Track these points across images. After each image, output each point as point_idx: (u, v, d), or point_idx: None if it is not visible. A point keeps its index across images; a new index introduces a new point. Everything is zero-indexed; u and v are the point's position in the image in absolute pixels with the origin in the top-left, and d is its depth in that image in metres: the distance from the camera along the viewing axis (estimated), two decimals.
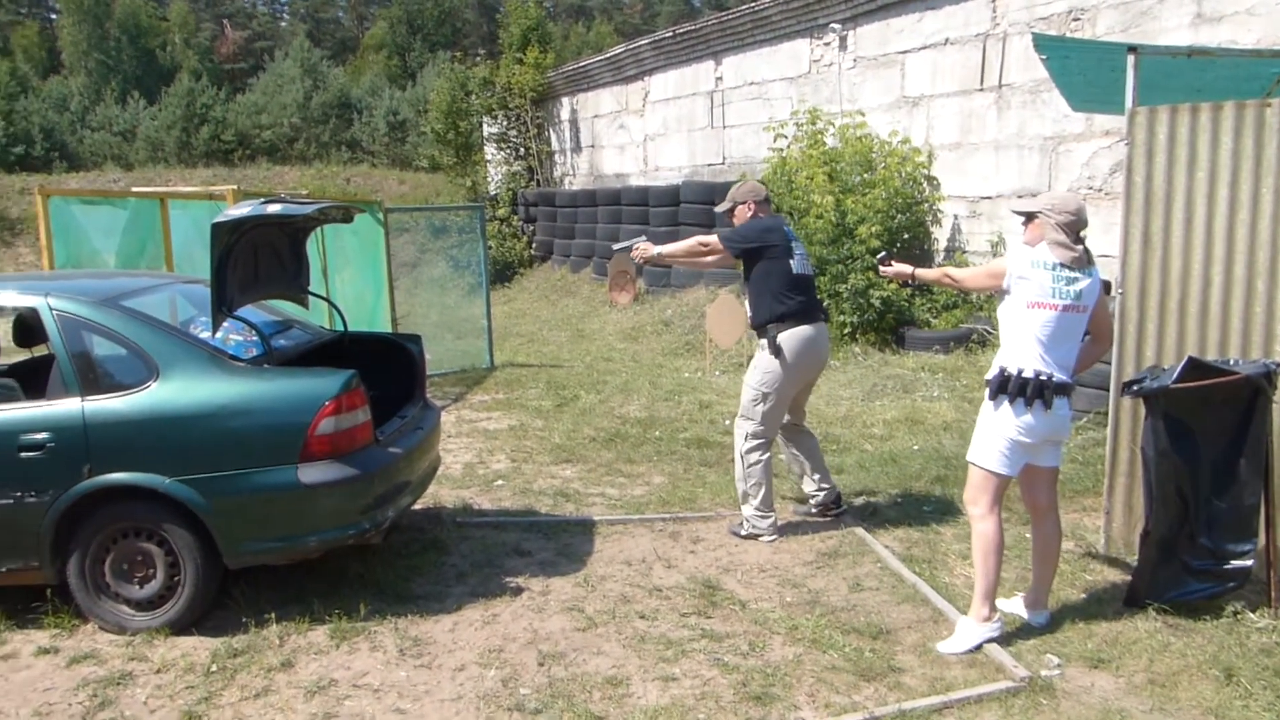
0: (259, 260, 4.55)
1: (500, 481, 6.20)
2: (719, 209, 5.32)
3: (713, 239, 5.06)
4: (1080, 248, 3.67)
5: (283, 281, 4.90)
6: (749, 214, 5.12)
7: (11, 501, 3.90)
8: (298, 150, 43.39)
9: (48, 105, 42.73)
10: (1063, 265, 3.63)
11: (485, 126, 22.20)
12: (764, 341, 4.93)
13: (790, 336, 4.86)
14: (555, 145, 21.35)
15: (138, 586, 4.02)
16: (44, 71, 49.57)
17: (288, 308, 5.35)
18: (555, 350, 12.13)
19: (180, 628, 3.99)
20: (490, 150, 22.37)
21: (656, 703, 3.37)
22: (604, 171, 19.57)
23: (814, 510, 5.33)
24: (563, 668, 3.64)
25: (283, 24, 67.23)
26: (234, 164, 36.76)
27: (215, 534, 3.93)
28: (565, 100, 20.73)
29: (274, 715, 3.36)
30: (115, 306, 4.16)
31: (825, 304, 10.49)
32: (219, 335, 4.23)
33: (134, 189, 9.78)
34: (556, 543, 5.00)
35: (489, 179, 22.39)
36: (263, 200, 4.24)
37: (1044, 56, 5.38)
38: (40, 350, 5.12)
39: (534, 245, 19.73)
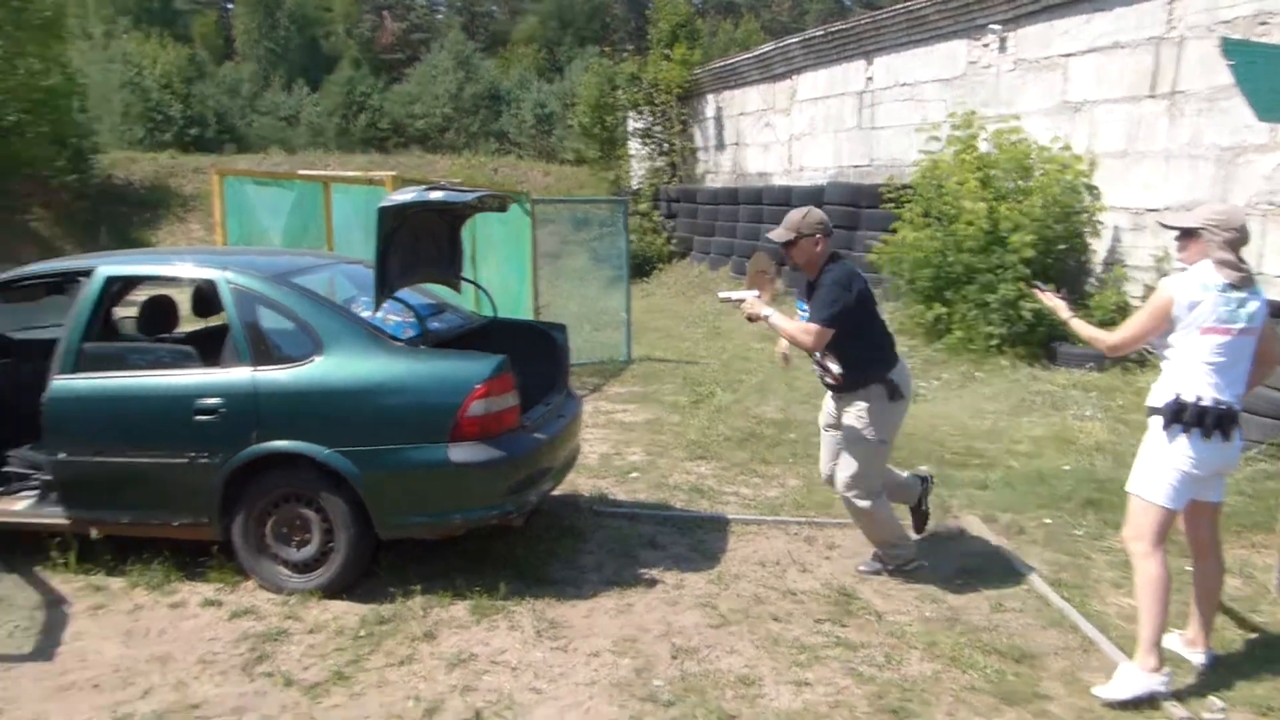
0: (418, 245, 4.71)
1: (635, 474, 6.25)
2: (775, 237, 4.37)
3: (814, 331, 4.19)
4: (1246, 266, 3.43)
5: (439, 266, 5.06)
6: (816, 250, 4.30)
7: (186, 461, 4.16)
8: (447, 140, 44.76)
9: (221, 90, 45.26)
10: (1231, 286, 3.39)
11: (630, 122, 22.40)
12: (878, 389, 4.34)
13: (901, 372, 4.45)
14: (699, 142, 21.35)
15: (295, 549, 4.23)
16: (219, 58, 52.46)
17: (441, 292, 5.53)
18: (691, 347, 12.14)
19: (332, 592, 4.17)
20: (634, 145, 22.56)
21: (789, 706, 3.34)
22: (747, 170, 19.46)
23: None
24: (695, 663, 3.64)
25: (439, 17, 69.36)
26: (388, 151, 38.21)
27: (368, 504, 4.10)
28: (711, 97, 20.70)
29: (417, 683, 3.48)
30: (285, 283, 4.38)
31: (973, 314, 10.17)
32: (379, 315, 4.40)
33: (300, 172, 10.29)
34: (690, 538, 5.01)
35: (631, 174, 22.58)
36: (426, 187, 4.39)
37: (1231, 62, 5.05)
38: (215, 321, 5.45)
39: (673, 241, 19.78)
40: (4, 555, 4.55)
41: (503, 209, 5.22)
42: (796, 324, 4.31)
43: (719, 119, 20.47)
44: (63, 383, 4.27)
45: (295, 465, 4.14)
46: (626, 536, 5.00)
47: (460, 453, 4.05)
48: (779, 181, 17.74)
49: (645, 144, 21.95)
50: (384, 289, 4.28)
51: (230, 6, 60.17)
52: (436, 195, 4.28)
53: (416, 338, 4.39)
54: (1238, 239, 3.42)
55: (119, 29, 43.69)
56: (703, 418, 7.93)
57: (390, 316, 4.54)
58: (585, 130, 22.66)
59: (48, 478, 4.34)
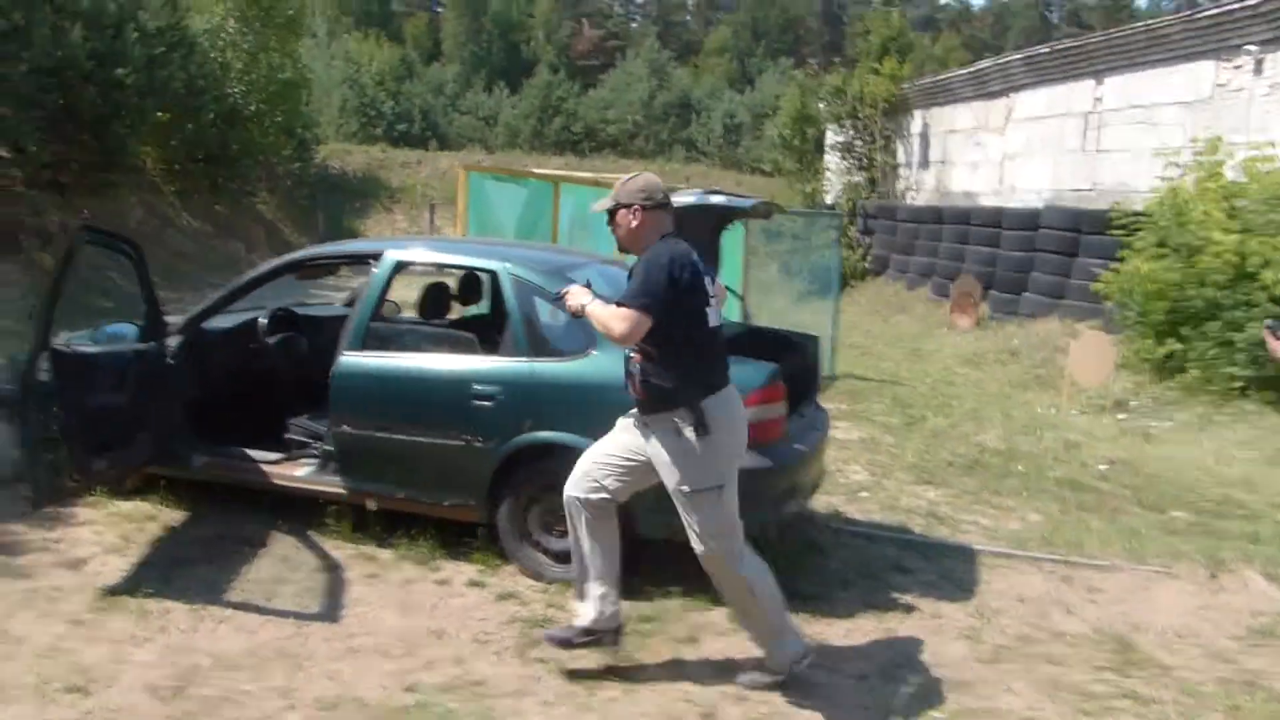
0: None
1: (864, 493, 6.11)
2: (595, 208, 3.65)
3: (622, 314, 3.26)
4: None
5: None
6: (633, 225, 3.43)
7: (461, 444, 4.32)
8: (636, 146, 45.46)
9: (427, 89, 47.52)
10: None
11: (830, 135, 22.12)
12: (683, 415, 3.33)
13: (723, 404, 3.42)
14: (901, 158, 20.87)
15: (556, 538, 4.32)
16: (427, 59, 55.10)
17: None
18: (892, 367, 11.83)
19: None
20: (832, 159, 22.26)
21: None
22: (951, 189, 18.86)
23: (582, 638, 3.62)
24: (972, 698, 3.50)
25: (634, 25, 70.65)
26: (582, 154, 39.11)
27: (630, 502, 4.13)
28: (918, 113, 20.19)
29: (687, 685, 3.48)
30: (562, 278, 4.48)
31: (1213, 353, 9.47)
32: None
33: (534, 170, 10.64)
34: (937, 566, 4.84)
35: (827, 188, 22.31)
36: (705, 190, 4.41)
37: None
38: (472, 309, 5.68)
39: (869, 258, 19.38)
40: (284, 517, 4.85)
41: (768, 216, 5.21)
42: (609, 309, 3.30)
43: (925, 135, 19.95)
44: (350, 359, 4.51)
45: (563, 456, 4.22)
46: (870, 557, 4.88)
47: None
48: (987, 202, 17.09)
49: (844, 158, 21.63)
50: None
51: (440, 9, 63.12)
52: (718, 199, 4.31)
53: None
54: None
55: (341, 29, 46.63)
56: (918, 441, 7.71)
57: None
58: (785, 142, 22.52)
59: (329, 448, 4.60)
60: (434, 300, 5.03)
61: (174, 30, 16.83)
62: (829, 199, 21.84)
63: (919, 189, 20.12)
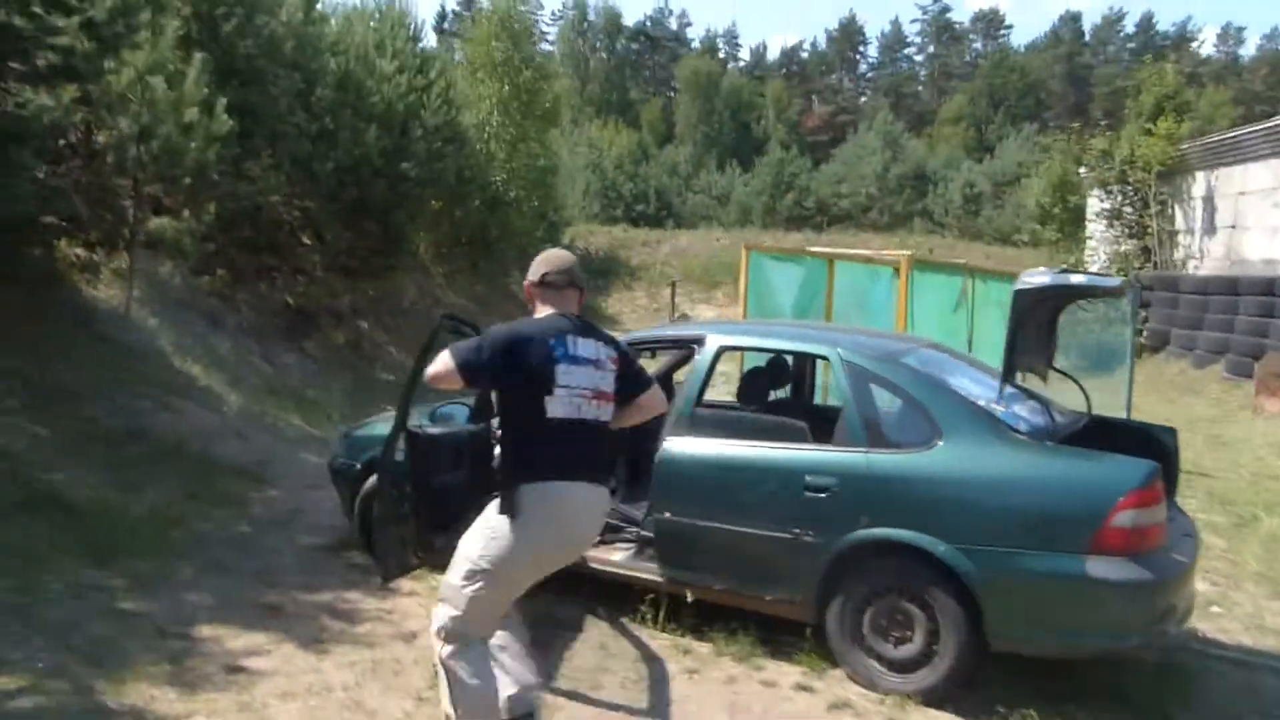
0: (1032, 331, 4.38)
1: (1215, 608, 5.37)
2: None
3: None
4: None
5: (1036, 355, 4.69)
6: (531, 298, 3.41)
7: (790, 536, 4.10)
8: (870, 219, 44.84)
9: (662, 170, 49.09)
10: None
11: (1095, 201, 20.76)
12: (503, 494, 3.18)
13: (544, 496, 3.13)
14: (1180, 224, 19.25)
15: (892, 645, 3.99)
16: (660, 142, 57.10)
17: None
18: (1194, 456, 10.63)
19: (932, 700, 3.87)
20: (1096, 227, 20.85)
21: None
22: (1245, 256, 17.13)
23: None
24: None
25: (863, 99, 70.43)
26: (819, 229, 38.94)
27: (984, 610, 3.76)
28: (1200, 175, 18.59)
29: None
30: (899, 364, 4.23)
31: None
32: (995, 404, 4.10)
33: (810, 249, 10.54)
34: None
35: (1091, 258, 20.87)
36: (1061, 269, 4.05)
37: None
38: (780, 392, 5.50)
39: (1145, 333, 17.84)
40: (597, 602, 4.79)
41: (1121, 295, 4.76)
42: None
43: (1209, 199, 18.31)
44: (676, 445, 4.42)
45: (904, 556, 3.92)
46: (1256, 688, 4.21)
47: (1100, 567, 3.59)
48: None
49: (1111, 226, 20.20)
50: (1009, 375, 3.99)
51: (673, 94, 65.43)
52: (1078, 280, 3.93)
53: (1041, 432, 4.03)
54: None
55: (584, 117, 49.20)
56: (1256, 545, 6.78)
57: (1008, 407, 4.21)
58: (1045, 211, 21.34)
59: (647, 534, 4.51)
60: (754, 385, 4.89)
61: (449, 126, 18.13)
62: (1093, 269, 20.41)
63: (1203, 257, 18.42)
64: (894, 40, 70.28)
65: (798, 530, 4.09)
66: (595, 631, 4.54)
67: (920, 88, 70.05)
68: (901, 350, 4.44)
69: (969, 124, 59.19)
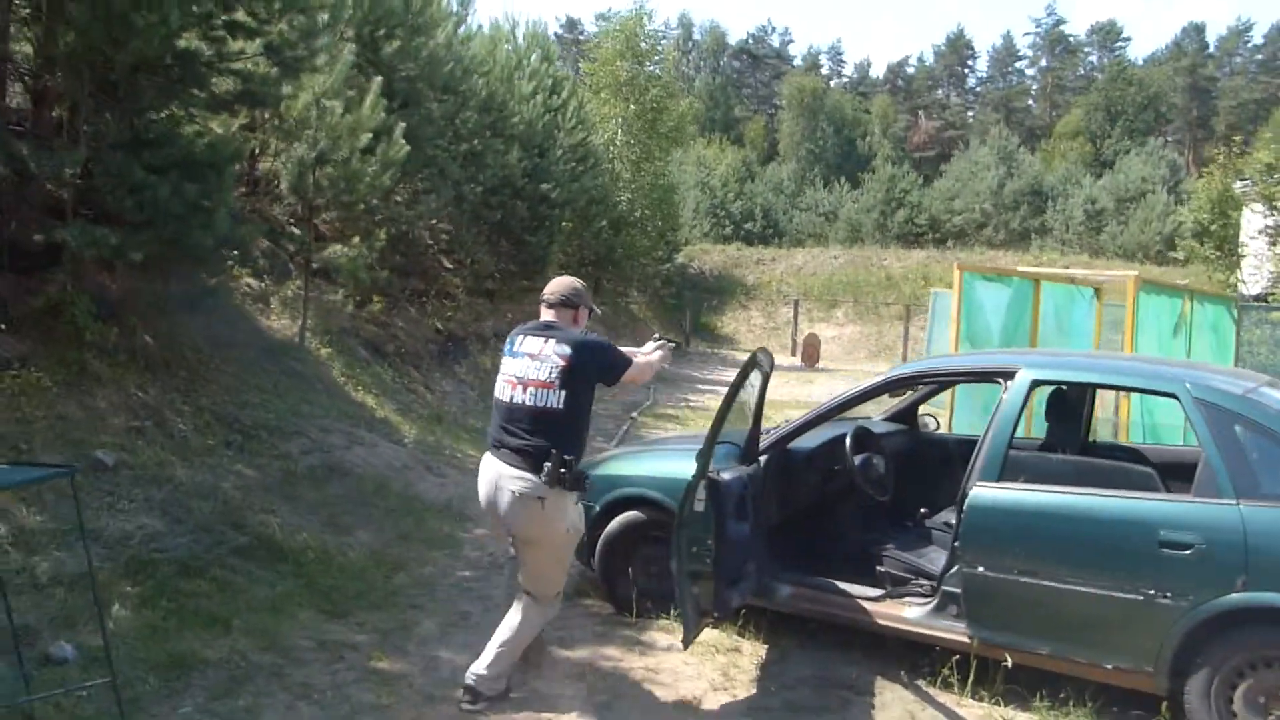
0: None
1: None
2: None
3: None
4: None
5: None
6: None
7: (1139, 598, 3.60)
8: (984, 236, 43.54)
9: (768, 188, 48.55)
10: None
11: (1258, 217, 19.51)
12: None
13: None
14: None
15: None
16: (763, 159, 56.56)
17: None
18: None
19: None
20: (1257, 244, 19.60)
21: None
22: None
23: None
24: None
25: (970, 114, 68.76)
26: (927, 245, 37.99)
27: None
28: None
29: None
30: (1260, 402, 3.70)
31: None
32: None
33: (1019, 269, 9.94)
34: None
35: (1253, 275, 19.63)
36: None
37: None
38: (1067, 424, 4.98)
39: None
40: (875, 658, 4.34)
41: None
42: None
43: None
44: (988, 492, 3.95)
45: None
46: None
47: None
48: None
49: (1275, 243, 18.95)
50: None
51: (775, 110, 64.86)
52: None
53: None
54: None
55: (689, 136, 49.00)
56: None
57: None
58: (1203, 228, 20.13)
59: (952, 589, 4.04)
60: (1065, 424, 4.37)
61: (581, 146, 18.02)
62: (1256, 288, 19.21)
63: None
64: (1004, 54, 68.46)
65: (1150, 591, 3.58)
66: (892, 696, 4.08)
67: (1031, 102, 68.04)
68: (1252, 386, 3.90)
69: (1085, 138, 57.15)
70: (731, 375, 4.34)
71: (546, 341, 3.73)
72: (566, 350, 3.68)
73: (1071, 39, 67.81)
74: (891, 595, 4.31)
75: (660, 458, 5.12)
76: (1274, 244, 18.97)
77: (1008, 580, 3.87)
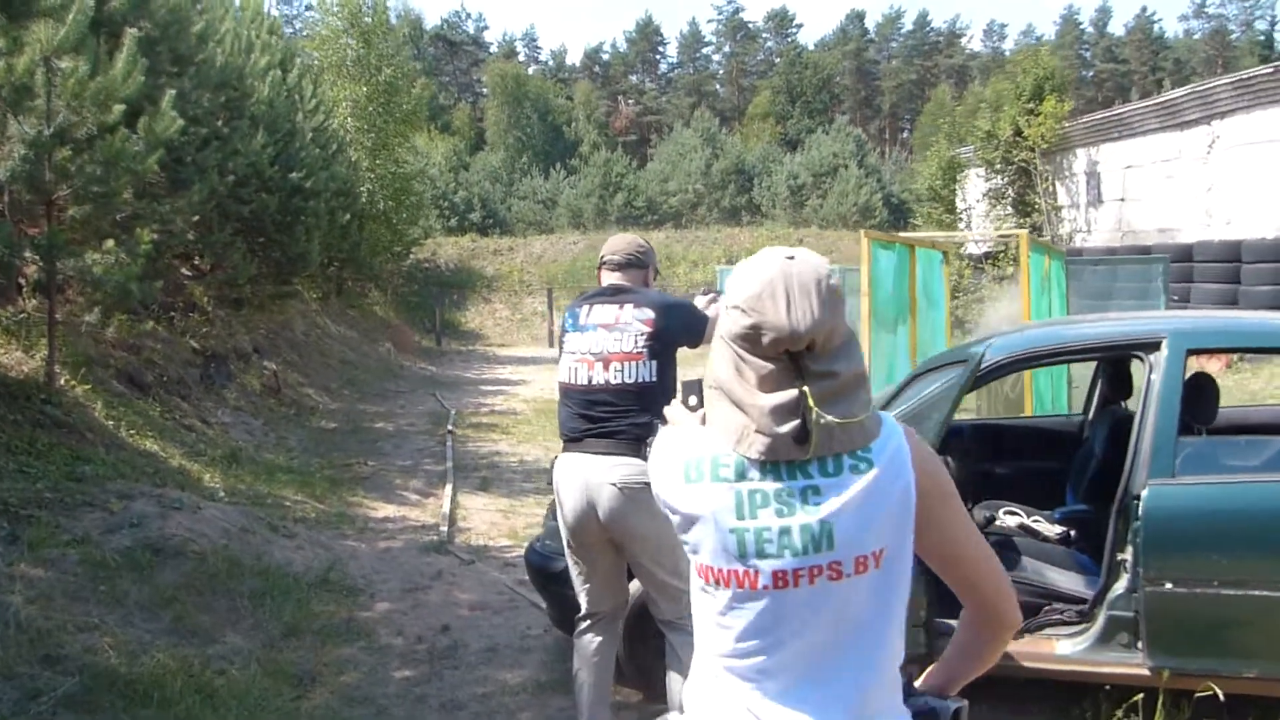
0: None
1: None
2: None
3: None
4: None
5: None
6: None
7: None
8: (700, 215, 44.93)
9: (484, 177, 47.29)
10: None
11: (978, 182, 21.10)
12: None
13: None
14: (1063, 200, 19.79)
15: None
16: (471, 148, 55.09)
17: None
18: None
19: None
20: (980, 207, 21.22)
21: None
22: (1136, 227, 17.72)
23: None
24: None
25: (663, 98, 70.88)
26: (653, 226, 38.48)
27: None
28: (1080, 152, 19.18)
29: None
30: None
31: None
32: None
33: (900, 235, 9.51)
34: None
35: (980, 238, 21.23)
36: None
37: None
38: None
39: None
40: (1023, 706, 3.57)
41: None
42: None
43: (1093, 174, 18.88)
44: (1171, 489, 3.25)
45: None
46: None
47: None
48: (1187, 238, 15.87)
49: (995, 205, 20.58)
50: None
51: (475, 99, 63.41)
52: None
53: None
54: None
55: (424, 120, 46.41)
56: None
57: None
58: (935, 193, 21.51)
59: (1122, 613, 3.32)
60: (1204, 397, 3.74)
61: (322, 131, 16.02)
62: (980, 249, 20.75)
63: (1090, 229, 18.99)
64: (692, 40, 71.15)
65: None
66: None
67: (719, 87, 71.28)
68: None
69: (774, 119, 60.66)
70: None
71: (622, 307, 3.15)
72: (649, 314, 3.12)
73: (751, 25, 71.76)
74: (1029, 629, 3.53)
75: None
76: (993, 207, 20.50)
77: (1206, 595, 3.20)
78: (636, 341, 3.09)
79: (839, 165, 45.52)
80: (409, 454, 9.76)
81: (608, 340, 3.10)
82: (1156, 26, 67.81)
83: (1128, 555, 3.33)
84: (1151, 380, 3.39)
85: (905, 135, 67.36)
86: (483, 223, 41.55)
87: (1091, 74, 64.68)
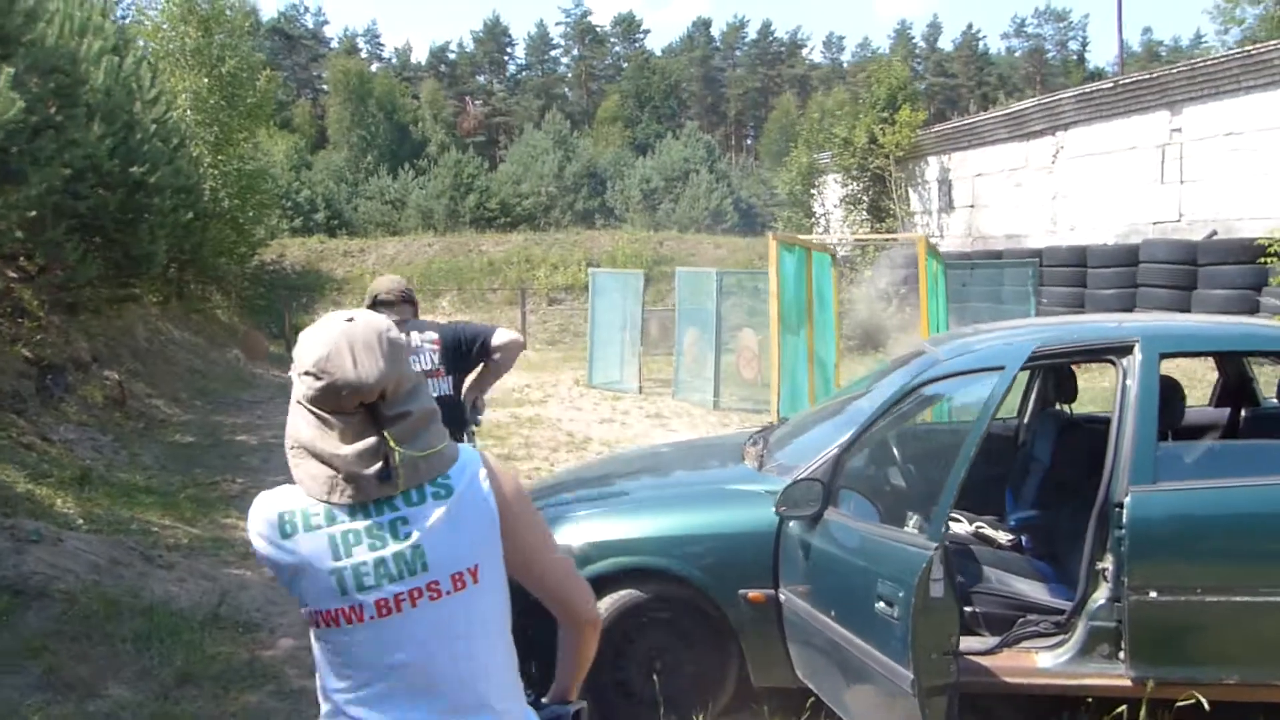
0: None
1: None
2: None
3: None
4: None
5: None
6: None
7: None
8: (554, 217, 44.58)
9: (328, 176, 45.50)
10: None
11: (838, 186, 21.63)
12: None
13: None
14: (916, 206, 20.53)
15: None
16: (313, 146, 52.92)
17: None
18: None
19: None
20: (837, 212, 21.77)
21: None
22: (986, 232, 18.56)
23: None
24: None
25: (513, 101, 70.11)
26: (501, 229, 37.86)
27: None
28: (932, 160, 19.94)
29: None
30: None
31: None
32: None
33: (799, 237, 9.43)
34: None
35: (839, 244, 21.80)
36: None
37: None
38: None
39: (908, 309, 18.77)
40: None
41: None
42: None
43: (945, 181, 19.68)
44: (1154, 496, 3.21)
45: None
46: None
47: None
48: (1035, 244, 16.75)
49: (851, 210, 21.17)
50: None
51: (313, 95, 60.97)
52: None
53: None
54: None
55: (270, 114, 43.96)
56: None
57: None
58: (796, 199, 21.89)
59: (1103, 624, 3.26)
60: (1172, 402, 3.72)
61: (162, 123, 14.86)
62: (840, 252, 21.30)
63: (943, 234, 19.76)
64: (540, 42, 70.61)
65: None
66: None
67: (567, 90, 71.01)
68: None
69: (623, 124, 60.89)
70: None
71: (416, 334, 3.79)
72: (434, 336, 3.83)
73: (599, 29, 71.85)
74: (1007, 643, 3.44)
75: (658, 508, 3.79)
76: (850, 213, 21.07)
77: (1190, 602, 3.17)
78: (432, 359, 3.73)
79: (690, 170, 46.19)
80: (278, 468, 8.99)
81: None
82: (981, 43, 71.84)
83: (1108, 564, 3.28)
84: (1127, 385, 3.35)
85: (749, 142, 68.95)
86: (328, 223, 40.01)
87: (925, 86, 67.94)
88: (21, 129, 9.35)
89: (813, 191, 21.39)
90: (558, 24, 76.69)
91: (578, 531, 3.61)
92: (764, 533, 3.43)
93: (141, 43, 17.17)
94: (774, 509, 3.34)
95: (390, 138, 56.02)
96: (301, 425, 1.45)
